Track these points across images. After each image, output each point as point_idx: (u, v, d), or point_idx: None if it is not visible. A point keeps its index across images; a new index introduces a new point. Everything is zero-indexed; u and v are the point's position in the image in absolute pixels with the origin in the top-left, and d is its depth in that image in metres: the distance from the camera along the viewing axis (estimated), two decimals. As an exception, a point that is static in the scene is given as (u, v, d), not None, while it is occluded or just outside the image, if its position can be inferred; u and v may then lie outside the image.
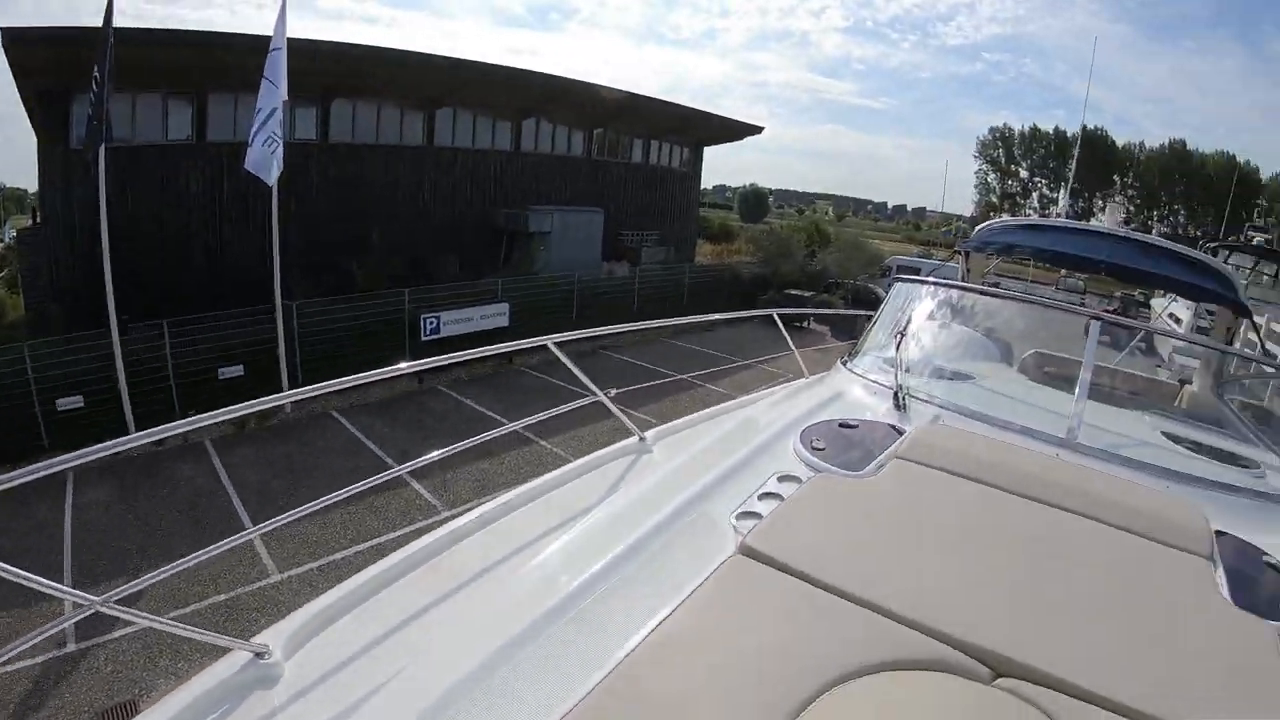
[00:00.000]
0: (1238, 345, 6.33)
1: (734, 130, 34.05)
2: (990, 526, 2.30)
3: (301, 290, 15.26)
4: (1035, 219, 5.24)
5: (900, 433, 2.90)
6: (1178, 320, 19.40)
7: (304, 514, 2.12)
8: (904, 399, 3.31)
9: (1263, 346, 7.37)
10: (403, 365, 2.50)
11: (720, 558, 1.92)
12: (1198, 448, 3.61)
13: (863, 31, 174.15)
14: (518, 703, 1.54)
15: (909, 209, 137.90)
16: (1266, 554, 2.62)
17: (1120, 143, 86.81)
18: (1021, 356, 4.86)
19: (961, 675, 1.65)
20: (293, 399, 2.21)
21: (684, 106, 30.90)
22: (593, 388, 3.05)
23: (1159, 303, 14.15)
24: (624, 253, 28.24)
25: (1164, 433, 3.71)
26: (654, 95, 32.25)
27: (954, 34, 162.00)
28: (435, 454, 2.65)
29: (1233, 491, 3.09)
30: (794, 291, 27.44)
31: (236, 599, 8.26)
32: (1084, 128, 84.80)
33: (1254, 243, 31.32)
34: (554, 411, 3.21)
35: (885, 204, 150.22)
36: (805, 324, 26.40)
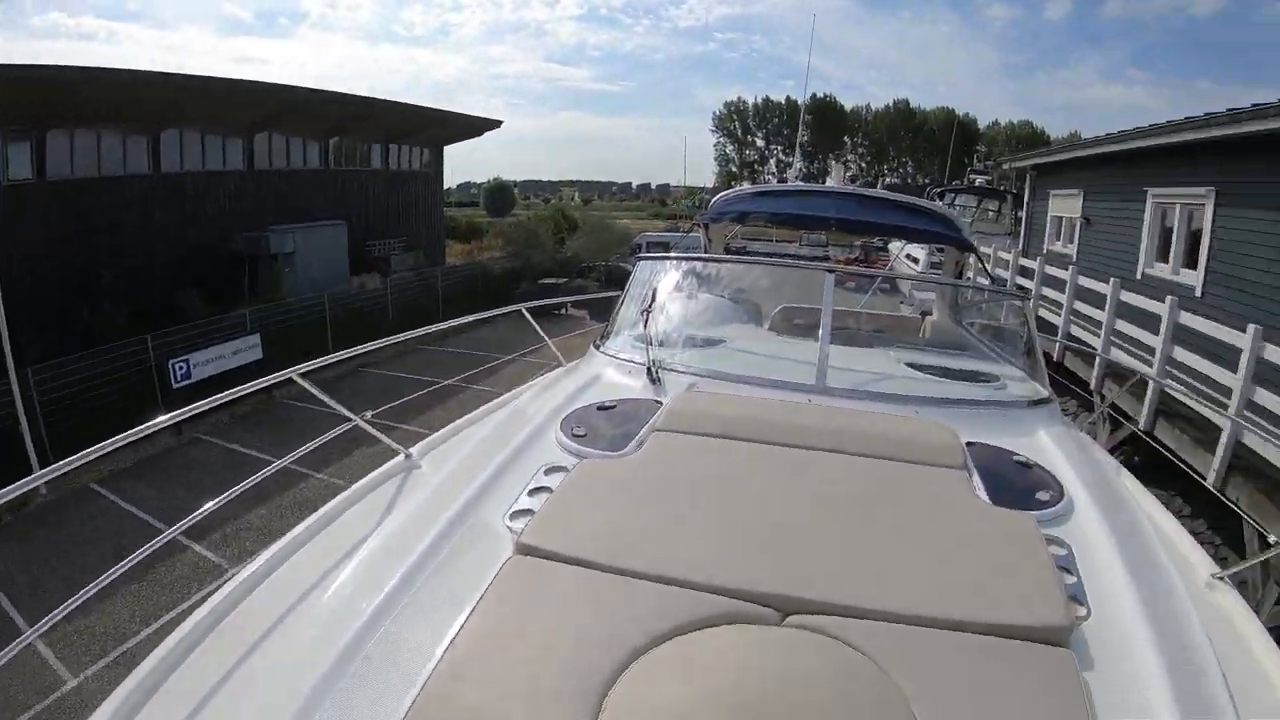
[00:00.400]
0: (967, 277, 6.89)
1: (474, 126, 34.20)
2: (755, 479, 2.37)
3: (34, 351, 13.99)
4: (767, 185, 5.60)
5: (658, 406, 2.94)
6: (915, 260, 21.30)
7: (81, 601, 2.02)
8: (657, 373, 3.35)
9: (989, 274, 8.14)
10: (154, 422, 2.42)
11: (500, 561, 1.89)
12: (943, 372, 3.80)
13: (597, 18, 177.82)
14: None
15: (653, 186, 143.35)
16: (1015, 454, 2.83)
17: (849, 106, 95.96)
18: (771, 314, 4.95)
19: (752, 623, 1.72)
20: (43, 479, 2.13)
21: (421, 107, 30.75)
22: (346, 413, 2.99)
23: (896, 245, 15.24)
24: (373, 264, 27.74)
25: (909, 364, 3.86)
26: (392, 96, 31.57)
27: (685, 16, 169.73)
28: (207, 506, 2.54)
29: (977, 405, 3.32)
30: (548, 280, 28.05)
31: (35, 720, 7.60)
32: (810, 95, 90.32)
33: (976, 184, 34.89)
34: (312, 445, 3.15)
35: (630, 184, 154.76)
36: (563, 310, 27.39)
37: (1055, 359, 12.34)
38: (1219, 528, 8.33)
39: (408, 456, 2.85)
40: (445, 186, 39.24)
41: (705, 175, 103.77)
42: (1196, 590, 2.33)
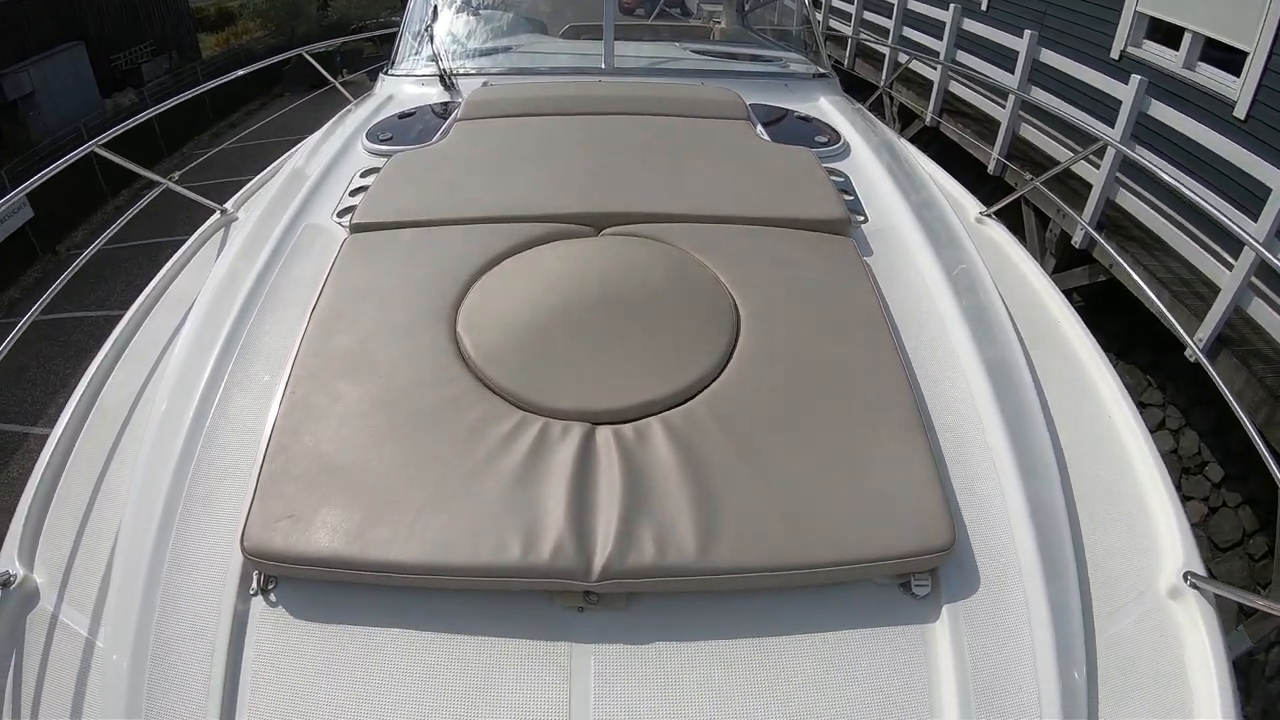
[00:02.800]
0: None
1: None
2: (560, 145, 2.54)
3: None
4: None
5: (457, 104, 3.05)
6: None
7: None
8: (451, 79, 3.40)
9: None
10: None
11: (337, 248, 2.01)
12: (729, 58, 3.97)
13: None
14: (236, 455, 1.53)
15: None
16: (795, 111, 3.10)
17: None
18: (559, 33, 4.95)
19: (573, 237, 1.95)
20: None
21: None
22: (153, 176, 2.89)
23: None
24: (124, 79, 24.40)
25: (696, 51, 4.00)
26: None
27: None
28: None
29: (761, 77, 3.54)
30: (319, 47, 26.02)
31: None
32: None
33: None
34: (128, 215, 3.00)
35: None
36: (341, 75, 25.39)
37: (847, 67, 13.10)
38: (1000, 213, 9.34)
39: (223, 211, 2.80)
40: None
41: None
42: (968, 223, 2.58)
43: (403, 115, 3.05)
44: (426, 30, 3.75)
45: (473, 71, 3.48)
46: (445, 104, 3.14)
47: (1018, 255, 2.46)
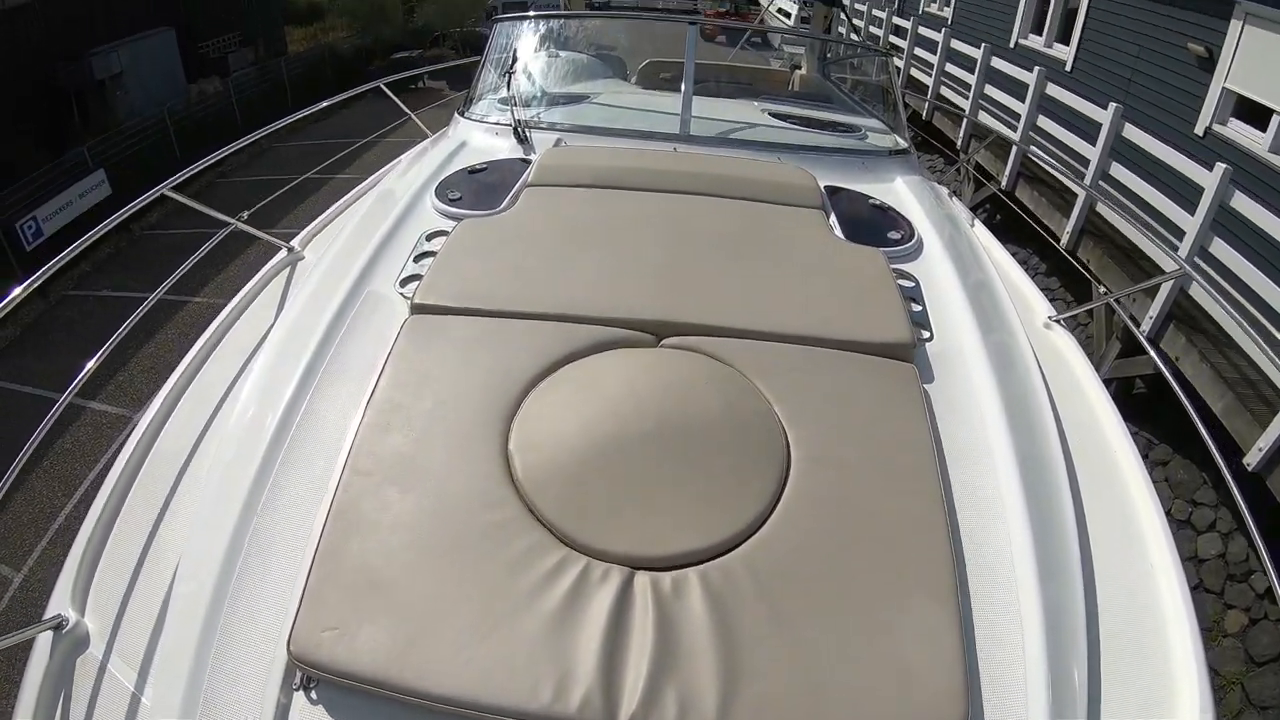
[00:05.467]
0: (837, 33, 7.01)
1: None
2: (626, 224, 2.50)
3: None
4: None
5: (528, 164, 3.00)
6: (786, 14, 21.20)
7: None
8: (524, 132, 3.36)
9: (852, 25, 8.34)
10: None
11: (398, 325, 1.99)
12: (806, 123, 3.88)
13: None
14: (287, 542, 1.56)
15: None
16: (870, 197, 3.01)
17: None
18: (638, 68, 4.95)
19: (632, 346, 1.92)
20: None
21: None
22: (222, 217, 2.90)
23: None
24: (210, 66, 24.97)
25: (773, 114, 3.93)
26: None
27: None
28: (89, 365, 2.36)
29: (838, 153, 3.42)
30: (402, 54, 26.48)
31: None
32: None
33: None
34: (192, 261, 3.01)
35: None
36: (419, 84, 25.41)
37: (924, 118, 12.71)
38: (1070, 286, 9.13)
39: (290, 250, 2.84)
40: (277, -34, 34.92)
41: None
42: (1034, 329, 2.59)
43: (473, 170, 3.03)
44: (504, 74, 3.75)
45: (546, 126, 3.44)
46: (517, 162, 3.11)
47: (1081, 368, 2.41)
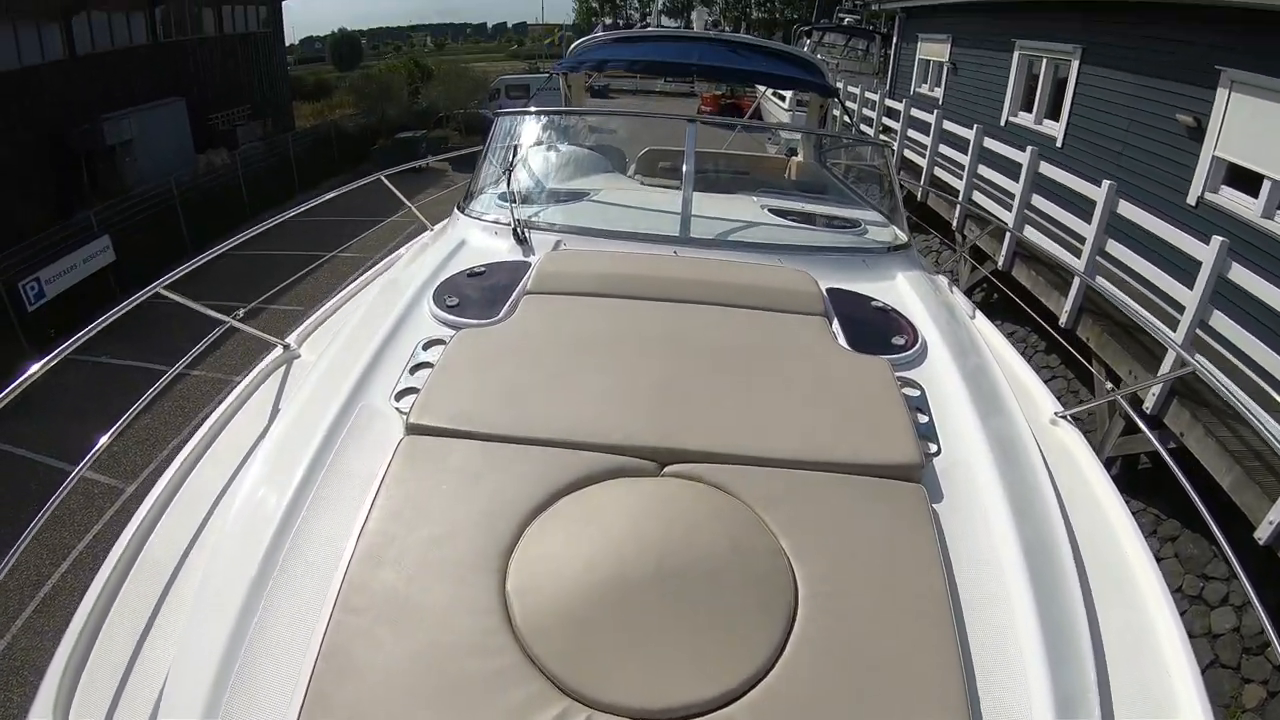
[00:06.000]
0: (830, 120, 6.93)
1: (310, -26, 31.57)
2: (626, 336, 2.45)
3: None
4: (627, 31, 5.23)
5: (527, 265, 2.96)
6: (781, 98, 21.74)
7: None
8: (524, 232, 3.30)
9: (850, 116, 8.28)
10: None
11: (393, 443, 1.95)
12: (805, 218, 3.83)
13: None
14: (275, 682, 1.53)
15: (510, 25, 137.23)
16: (873, 299, 2.97)
17: None
18: (637, 156, 4.95)
19: (634, 475, 1.86)
20: None
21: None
22: (217, 316, 2.90)
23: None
24: (219, 138, 25.65)
25: (772, 210, 3.86)
26: None
27: None
28: (102, 441, 2.39)
29: (838, 252, 3.39)
30: (406, 134, 26.99)
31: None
32: None
33: (844, 24, 35.02)
34: (192, 355, 3.06)
35: (485, 24, 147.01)
36: (424, 165, 26.47)
37: (919, 200, 12.84)
38: (1071, 363, 9.05)
39: (286, 347, 2.80)
40: (289, 44, 36.20)
41: (565, 12, 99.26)
42: (1041, 427, 2.55)
43: (471, 274, 2.98)
44: (504, 170, 3.73)
45: (545, 226, 3.39)
46: (516, 264, 3.06)
47: (1089, 466, 2.41)
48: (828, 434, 2.05)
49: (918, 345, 2.67)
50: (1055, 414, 2.67)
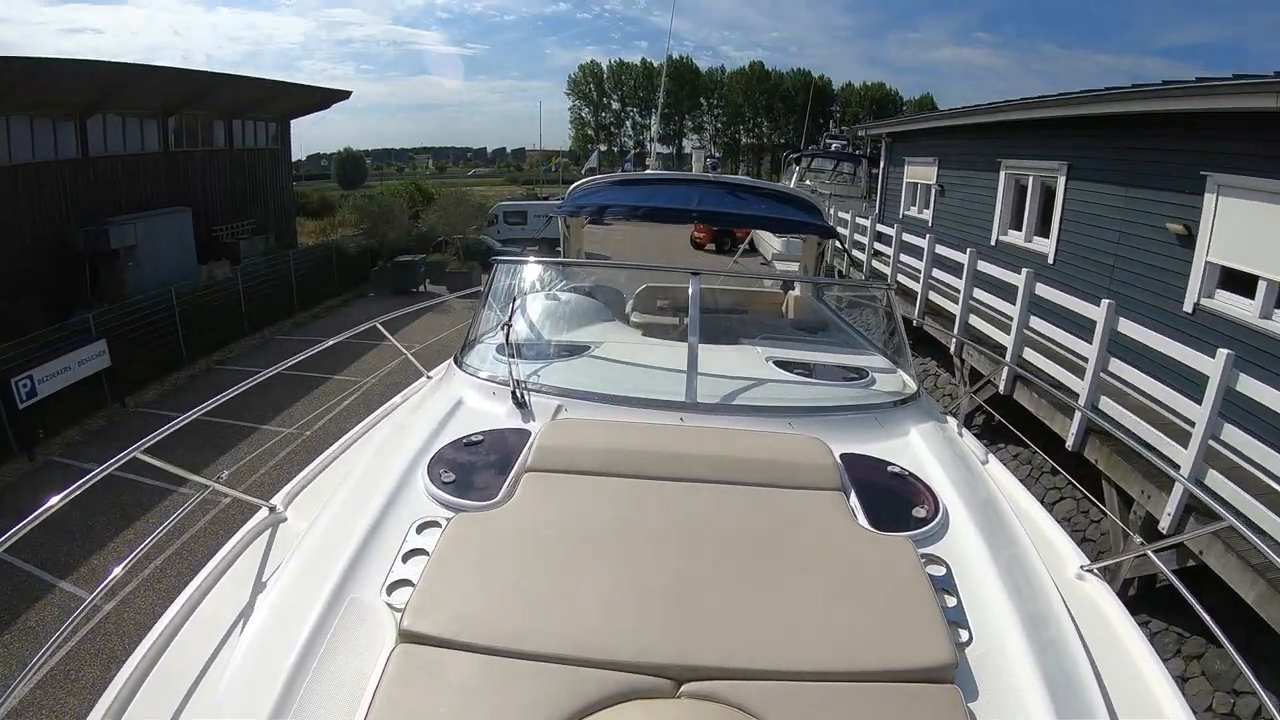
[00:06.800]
0: (829, 257, 6.96)
1: (319, 98, 32.85)
2: (634, 523, 2.32)
3: None
4: (625, 174, 5.21)
5: (527, 435, 2.85)
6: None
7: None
8: (523, 395, 3.19)
9: (851, 258, 8.17)
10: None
11: (384, 646, 1.86)
12: (810, 371, 3.76)
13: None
14: None
15: (509, 151, 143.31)
16: (890, 463, 2.87)
17: (705, 68, 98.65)
18: (636, 291, 4.99)
19: (648, 697, 1.72)
20: None
21: (264, 80, 29.17)
22: (199, 480, 2.79)
23: None
24: (222, 250, 26.15)
25: (777, 362, 3.78)
26: (233, 66, 29.56)
27: None
28: (116, 571, 2.43)
29: (849, 411, 3.30)
30: (405, 258, 27.35)
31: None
32: (669, 57, 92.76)
33: (832, 149, 36.49)
34: (167, 525, 2.79)
35: (485, 149, 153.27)
36: (421, 287, 26.79)
37: (915, 324, 12.66)
38: (1080, 481, 8.77)
39: (272, 510, 2.72)
40: (295, 160, 37.44)
41: (561, 139, 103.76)
42: (1067, 584, 2.50)
43: (469, 443, 2.86)
44: (501, 326, 3.63)
45: (545, 390, 3.26)
46: (514, 433, 2.95)
47: (1118, 619, 2.39)
48: (855, 637, 1.92)
49: (939, 516, 2.57)
50: (1081, 568, 2.64)
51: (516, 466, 2.61)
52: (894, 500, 2.65)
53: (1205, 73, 8.14)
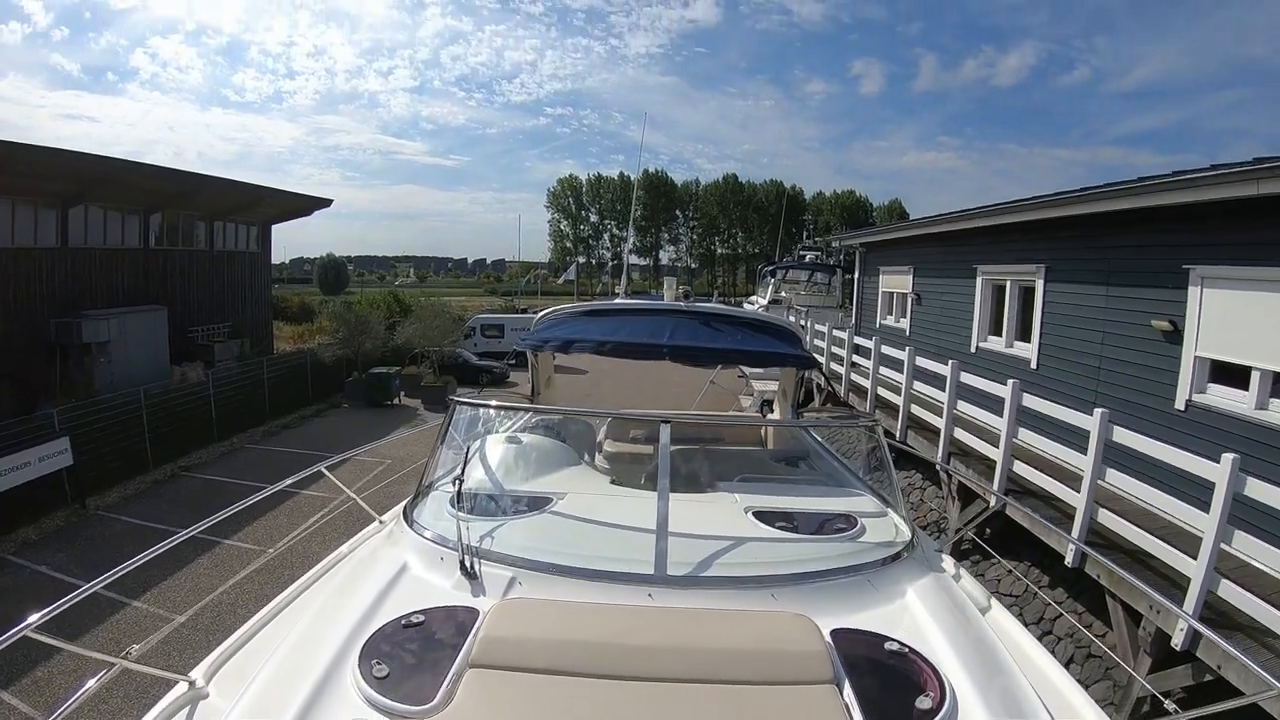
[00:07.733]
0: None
1: (303, 205, 33.26)
2: None
3: None
4: (593, 304, 5.01)
5: (475, 615, 2.61)
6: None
7: None
8: (473, 564, 2.92)
9: (836, 394, 7.92)
10: None
11: None
12: (792, 523, 3.45)
13: (430, 91, 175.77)
14: None
15: (489, 262, 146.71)
16: (887, 638, 2.59)
17: (680, 181, 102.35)
18: (604, 425, 4.86)
19: None
20: None
21: (249, 184, 29.33)
22: (105, 658, 2.56)
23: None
24: (196, 352, 25.89)
25: (756, 513, 3.51)
26: (223, 165, 29.78)
27: (518, 91, 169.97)
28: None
29: (838, 575, 3.00)
30: (380, 369, 27.51)
31: None
32: (642, 171, 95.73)
33: (805, 260, 37.30)
34: (76, 700, 2.51)
35: (465, 259, 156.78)
36: (396, 400, 26.91)
37: (898, 439, 12.16)
38: (1080, 596, 8.41)
39: (191, 685, 2.44)
40: (278, 263, 37.75)
41: (540, 250, 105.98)
42: None
43: (408, 624, 2.58)
44: (454, 480, 3.39)
45: (497, 559, 2.97)
46: (460, 611, 2.67)
47: None
48: None
49: (945, 706, 2.29)
50: None
51: (459, 660, 2.34)
52: (893, 689, 2.37)
53: (1161, 157, 8.62)
